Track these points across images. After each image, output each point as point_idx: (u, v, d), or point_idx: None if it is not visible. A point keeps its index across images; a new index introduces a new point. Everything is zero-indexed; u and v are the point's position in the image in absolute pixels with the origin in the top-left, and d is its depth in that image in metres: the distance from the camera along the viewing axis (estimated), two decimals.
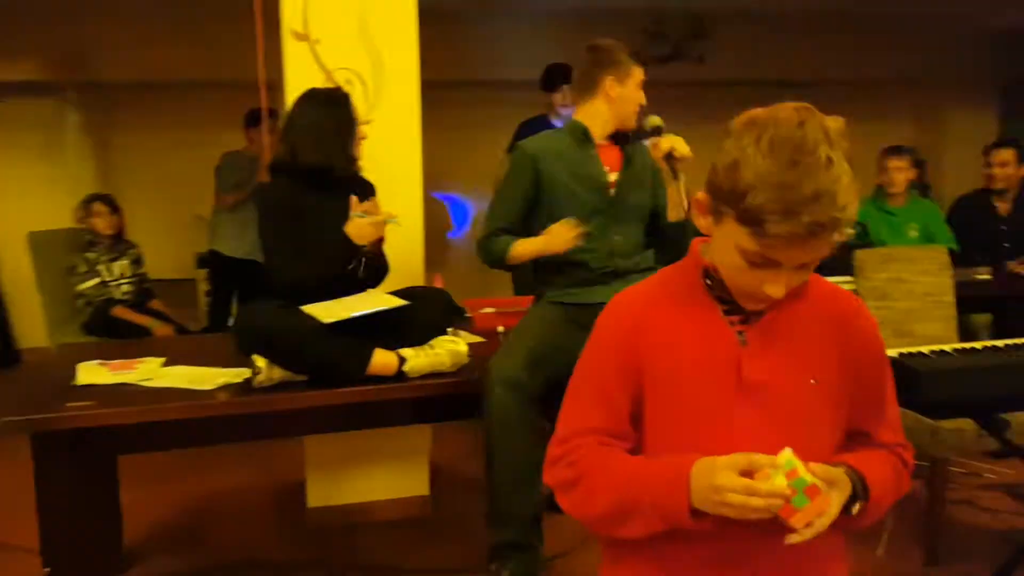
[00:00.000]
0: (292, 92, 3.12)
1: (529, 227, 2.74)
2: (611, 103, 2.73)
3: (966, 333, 4.05)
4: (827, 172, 1.10)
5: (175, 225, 6.16)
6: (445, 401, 2.54)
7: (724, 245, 1.20)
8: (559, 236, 2.61)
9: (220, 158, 5.23)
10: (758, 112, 1.18)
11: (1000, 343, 2.83)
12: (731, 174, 1.15)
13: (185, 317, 4.91)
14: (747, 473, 1.14)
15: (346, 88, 3.16)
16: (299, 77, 3.12)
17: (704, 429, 1.23)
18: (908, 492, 1.38)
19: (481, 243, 2.77)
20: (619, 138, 2.81)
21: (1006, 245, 4.57)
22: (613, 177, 2.76)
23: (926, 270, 3.43)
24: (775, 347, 1.26)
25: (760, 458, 1.14)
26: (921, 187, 4.84)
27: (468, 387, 2.49)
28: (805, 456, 1.17)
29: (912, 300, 3.38)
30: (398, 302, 2.51)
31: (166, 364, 2.66)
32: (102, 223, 4.46)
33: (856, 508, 1.23)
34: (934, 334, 3.32)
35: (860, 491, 1.23)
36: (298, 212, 2.57)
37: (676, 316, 1.29)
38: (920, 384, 2.60)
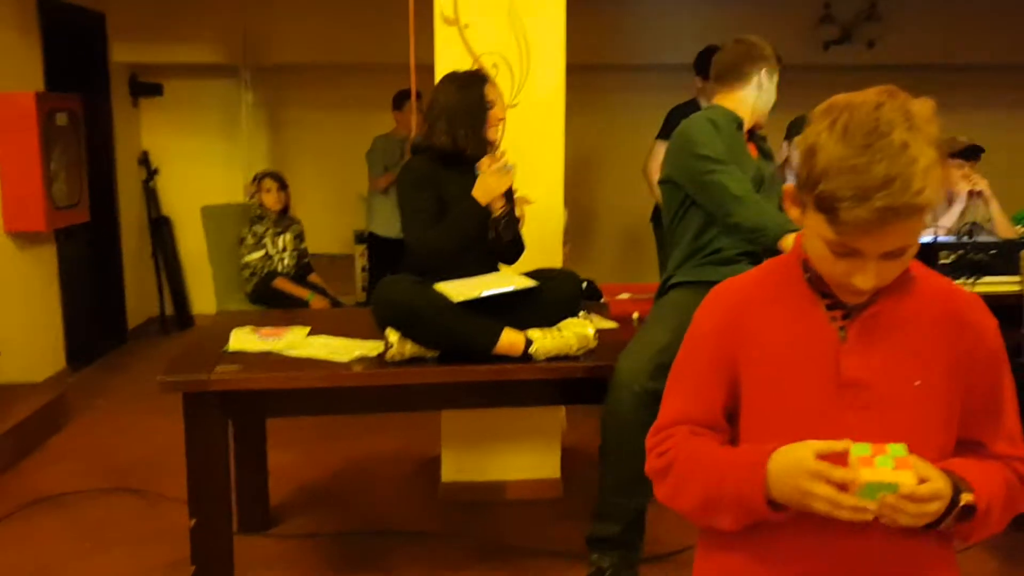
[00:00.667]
0: (441, 75, 3.21)
1: None
2: (760, 94, 2.71)
3: None
4: (901, 155, 1.06)
5: (337, 202, 6.43)
6: (570, 384, 2.55)
7: (811, 235, 1.18)
8: None
9: (372, 142, 5.44)
10: (838, 97, 1.15)
11: None
12: (808, 161, 1.13)
13: (341, 291, 5.14)
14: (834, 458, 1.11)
15: (492, 72, 3.23)
16: (448, 61, 3.20)
17: (800, 427, 1.19)
18: None
19: (748, 195, 2.50)
20: (752, 136, 2.80)
21: None
22: (759, 165, 2.73)
23: None
24: (877, 345, 1.21)
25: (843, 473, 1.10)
26: None
27: (594, 372, 2.50)
28: (907, 463, 1.11)
29: None
30: (528, 283, 2.55)
31: (311, 334, 2.79)
32: (271, 199, 4.72)
33: (963, 500, 1.15)
34: None
35: (962, 505, 1.16)
36: (433, 188, 2.67)
37: (775, 309, 1.26)
38: None
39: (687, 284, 2.63)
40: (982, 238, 3.93)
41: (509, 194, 2.82)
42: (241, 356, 2.56)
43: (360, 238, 6.07)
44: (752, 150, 2.76)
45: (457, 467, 3.49)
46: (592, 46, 4.71)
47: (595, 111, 6.00)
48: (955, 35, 6.19)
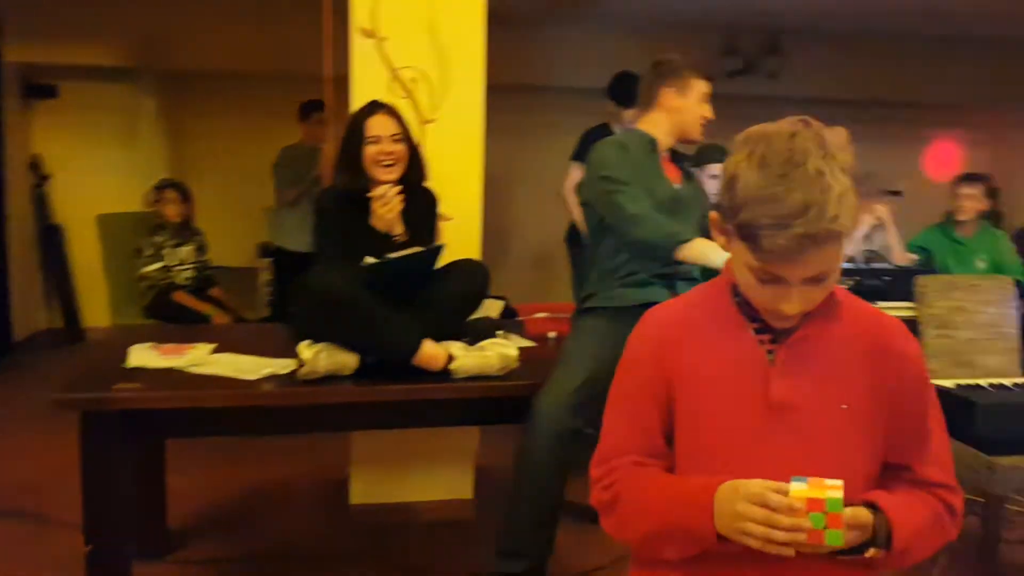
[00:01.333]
0: (358, 88, 3.16)
1: None
2: (670, 114, 2.71)
3: None
4: (816, 184, 1.09)
5: (240, 214, 6.26)
6: (491, 404, 2.51)
7: (736, 263, 1.19)
8: None
9: (278, 154, 5.31)
10: (755, 128, 1.19)
11: None
12: (728, 190, 1.15)
13: (244, 306, 4.98)
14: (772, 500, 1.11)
15: (411, 86, 3.19)
16: (366, 74, 3.15)
17: (732, 449, 1.21)
18: (960, 532, 1.31)
19: (643, 213, 2.52)
20: (675, 157, 2.81)
21: None
22: (677, 186, 2.74)
23: (989, 300, 3.32)
24: (805, 368, 1.22)
25: (780, 499, 1.10)
26: (994, 215, 4.67)
27: (513, 392, 2.47)
28: None
29: (974, 330, 3.26)
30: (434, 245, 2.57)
31: (216, 351, 2.69)
32: (172, 209, 4.56)
33: (870, 552, 1.17)
34: (995, 366, 3.20)
35: (882, 538, 1.18)
36: (341, 224, 2.64)
37: (706, 333, 1.26)
38: (977, 417, 2.52)
39: (602, 309, 2.63)
40: (878, 265, 4.09)
41: (425, 225, 2.78)
42: (142, 373, 2.44)
43: (265, 252, 5.91)
44: (673, 172, 2.77)
45: (367, 489, 3.41)
46: (510, 66, 4.72)
47: (509, 131, 6.01)
48: (851, 72, 6.48)
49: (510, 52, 4.65)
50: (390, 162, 2.67)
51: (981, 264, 4.40)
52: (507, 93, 4.26)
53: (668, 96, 2.69)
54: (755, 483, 1.12)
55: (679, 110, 2.70)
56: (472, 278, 2.64)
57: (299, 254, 5.25)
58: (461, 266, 2.67)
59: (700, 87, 2.71)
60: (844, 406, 1.22)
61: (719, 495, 1.15)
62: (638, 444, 1.27)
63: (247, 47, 5.73)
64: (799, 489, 1.09)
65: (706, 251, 2.39)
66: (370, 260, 2.46)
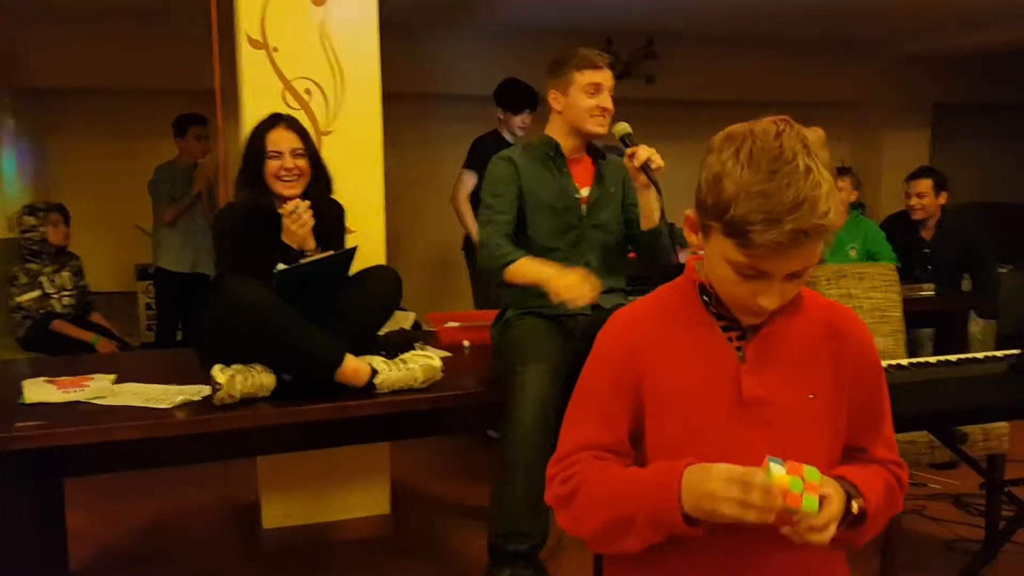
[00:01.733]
0: (248, 100, 3.07)
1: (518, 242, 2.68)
2: (560, 115, 2.70)
3: (911, 347, 4.16)
4: (806, 180, 1.12)
5: (114, 236, 5.97)
6: (417, 418, 2.48)
7: (715, 260, 1.21)
8: (574, 289, 2.40)
9: (154, 172, 5.10)
10: (737, 127, 1.21)
11: (953, 357, 2.91)
12: (714, 187, 1.16)
13: (124, 332, 4.75)
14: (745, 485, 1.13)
15: (305, 98, 3.12)
16: (256, 85, 3.06)
17: (706, 446, 1.22)
18: None
19: (487, 240, 2.61)
20: (593, 151, 2.78)
21: (929, 267, 4.69)
22: (585, 193, 2.73)
23: (875, 286, 3.51)
24: (772, 363, 1.26)
25: (756, 476, 1.12)
26: (858, 206, 4.94)
27: (437, 403, 2.45)
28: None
29: (862, 315, 3.43)
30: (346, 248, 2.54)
31: (117, 381, 2.55)
32: (58, 234, 4.33)
33: (854, 508, 1.22)
34: (883, 348, 3.38)
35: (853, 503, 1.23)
36: (245, 238, 2.56)
37: (675, 333, 1.28)
38: None
39: (530, 313, 2.63)
40: None
41: (334, 239, 2.73)
42: (42, 409, 2.29)
43: (143, 274, 5.67)
44: (584, 173, 2.75)
45: (279, 512, 3.30)
46: (403, 75, 4.69)
47: (403, 140, 5.98)
48: (721, 74, 6.74)
49: (402, 61, 4.63)
50: (291, 178, 2.60)
51: (852, 253, 4.64)
52: (400, 101, 4.22)
53: (554, 98, 2.70)
54: (729, 466, 1.14)
55: (564, 108, 2.68)
56: (385, 286, 2.60)
57: (180, 275, 5.08)
58: (373, 274, 2.62)
59: (582, 79, 2.63)
60: (811, 396, 1.26)
61: (688, 476, 1.16)
62: (603, 441, 1.27)
63: (112, 64, 5.48)
64: (778, 470, 1.11)
65: (529, 269, 2.53)
66: (282, 267, 2.39)
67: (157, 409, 2.30)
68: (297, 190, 2.61)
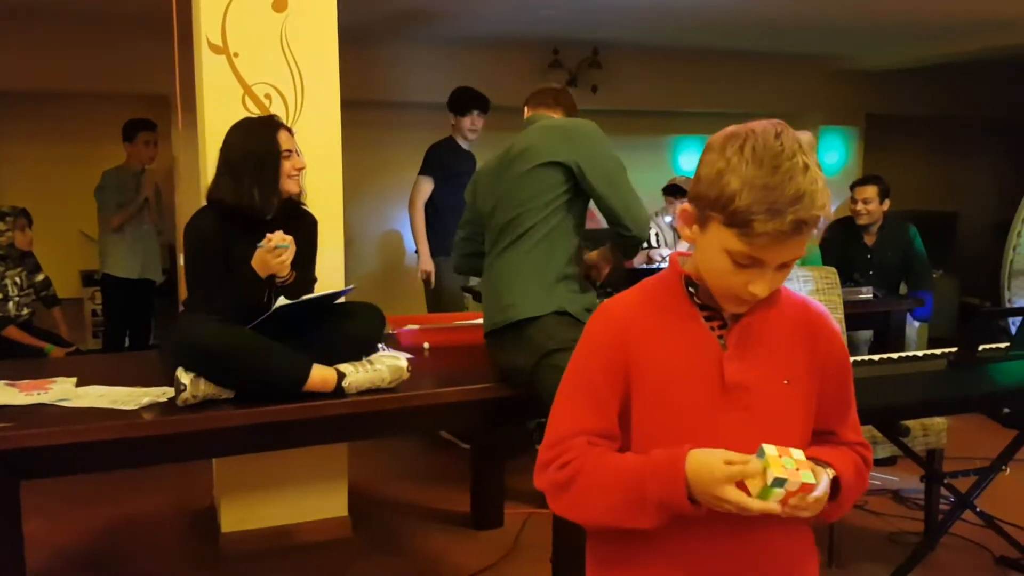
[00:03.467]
0: (209, 106, 3.08)
1: None
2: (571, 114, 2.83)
3: (850, 348, 4.32)
4: (805, 175, 1.21)
5: (59, 242, 5.87)
6: (383, 417, 2.51)
7: (711, 250, 1.28)
8: None
9: (101, 177, 5.04)
10: (736, 127, 1.28)
11: (895, 355, 3.04)
12: (717, 181, 1.24)
13: (70, 338, 4.68)
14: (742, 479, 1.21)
15: (265, 103, 3.14)
16: (216, 91, 3.07)
17: (692, 430, 1.29)
18: None
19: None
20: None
21: (871, 273, 4.88)
22: None
23: (818, 288, 3.64)
24: (752, 351, 1.34)
25: (752, 466, 1.21)
26: None
27: (406, 402, 2.49)
28: None
29: None
30: (340, 288, 2.53)
31: (78, 385, 2.54)
32: (24, 238, 4.28)
33: (831, 477, 1.30)
34: None
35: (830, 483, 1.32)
36: (217, 248, 2.51)
37: (660, 321, 1.35)
38: None
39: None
40: None
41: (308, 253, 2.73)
42: (8, 411, 2.27)
43: (89, 280, 5.58)
44: None
45: (237, 516, 3.30)
46: (361, 82, 4.73)
47: (359, 146, 6.00)
48: (663, 85, 6.90)
49: (358, 69, 4.67)
50: (299, 175, 2.62)
51: None
52: (356, 109, 4.25)
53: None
54: (720, 459, 1.21)
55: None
56: (369, 324, 2.60)
57: (128, 281, 5.03)
58: (359, 311, 2.61)
59: None
60: (786, 382, 1.35)
61: (690, 463, 1.23)
62: (595, 426, 1.33)
63: (59, 65, 5.39)
64: (771, 451, 1.21)
65: None
66: (284, 301, 2.37)
67: (124, 411, 2.30)
68: (300, 186, 2.65)
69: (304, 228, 2.70)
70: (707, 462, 1.22)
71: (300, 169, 2.62)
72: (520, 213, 2.56)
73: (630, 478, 1.27)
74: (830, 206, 1.25)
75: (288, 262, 2.47)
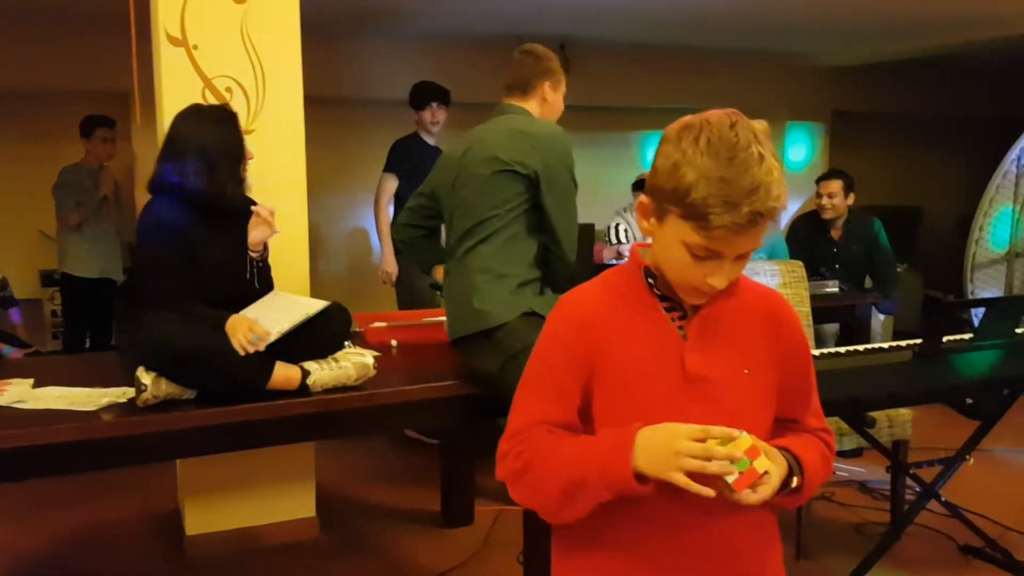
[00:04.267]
0: (168, 100, 3.03)
1: None
2: (543, 107, 2.73)
3: (816, 342, 4.35)
4: (760, 166, 1.20)
5: (16, 241, 5.76)
6: (351, 416, 2.47)
7: (669, 243, 1.27)
8: None
9: (58, 175, 4.94)
10: (690, 118, 1.27)
11: (860, 347, 3.06)
12: (673, 174, 1.23)
13: (29, 339, 4.59)
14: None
15: (226, 97, 3.09)
16: (176, 84, 3.03)
17: (653, 421, 1.27)
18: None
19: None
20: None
21: (837, 267, 4.92)
22: None
23: (785, 283, 3.66)
24: (712, 341, 1.33)
25: (716, 430, 1.20)
26: None
27: (373, 400, 2.45)
28: None
29: None
30: (318, 305, 2.47)
31: (35, 386, 2.48)
32: None
33: (794, 483, 1.30)
34: None
35: (796, 469, 1.31)
36: (182, 238, 2.45)
37: (621, 313, 1.34)
38: None
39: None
40: None
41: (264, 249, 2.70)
42: None
43: (48, 280, 5.47)
44: None
45: (202, 518, 3.25)
46: (324, 78, 4.66)
47: (323, 142, 5.94)
48: (631, 81, 6.90)
49: (322, 65, 4.61)
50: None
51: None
52: (320, 105, 4.21)
53: (545, 89, 2.72)
54: (681, 428, 1.20)
55: (551, 104, 2.75)
56: (335, 323, 2.56)
57: (87, 281, 4.94)
58: (324, 308, 2.56)
59: (564, 86, 2.80)
60: (746, 371, 1.34)
61: (641, 436, 1.22)
62: (555, 417, 1.32)
63: (15, 62, 5.28)
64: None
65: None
66: (273, 336, 2.33)
67: (83, 412, 2.24)
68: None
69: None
70: (662, 426, 1.22)
71: (251, 157, 2.60)
72: (484, 219, 2.54)
73: (576, 457, 1.26)
74: (786, 196, 1.23)
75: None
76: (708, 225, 1.19)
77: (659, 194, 1.25)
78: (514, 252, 2.55)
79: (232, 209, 2.53)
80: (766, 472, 1.21)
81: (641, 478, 1.22)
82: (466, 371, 2.60)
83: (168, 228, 2.44)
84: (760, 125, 1.25)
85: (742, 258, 1.26)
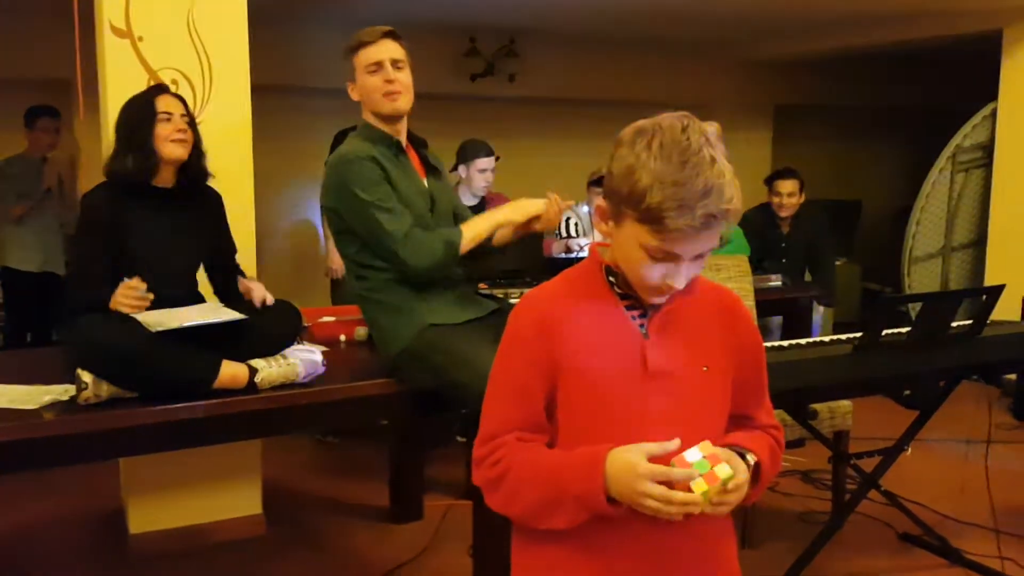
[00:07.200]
0: (112, 91, 2.98)
1: None
2: (362, 103, 2.57)
3: (762, 334, 4.42)
4: (712, 169, 1.23)
5: None
6: (298, 412, 2.45)
7: (627, 245, 1.29)
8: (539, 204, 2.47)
9: None
10: (644, 122, 1.29)
11: (803, 341, 3.12)
12: (628, 178, 1.25)
13: None
14: (662, 462, 1.23)
15: (172, 89, 3.03)
16: (120, 75, 2.98)
17: (617, 417, 1.31)
18: None
19: (414, 239, 2.41)
20: (415, 141, 2.69)
21: (784, 261, 5.01)
22: (427, 184, 2.64)
23: (731, 276, 3.72)
24: (672, 338, 1.36)
25: (676, 472, 1.22)
26: None
27: (323, 396, 2.44)
28: (701, 438, 1.26)
29: None
30: (236, 315, 2.42)
31: None
32: None
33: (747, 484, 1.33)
34: None
35: (752, 470, 1.34)
36: (107, 225, 2.43)
37: (583, 311, 1.36)
38: None
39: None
40: None
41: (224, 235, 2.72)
42: None
43: None
44: (416, 162, 2.65)
45: (146, 516, 3.20)
46: (267, 67, 4.58)
47: (266, 133, 5.85)
48: (579, 74, 6.92)
49: (266, 53, 4.54)
50: (182, 139, 2.52)
51: None
52: (263, 94, 4.15)
53: (351, 90, 2.58)
54: (642, 456, 1.22)
55: (361, 95, 2.56)
56: (284, 320, 2.55)
57: (30, 275, 4.83)
58: (274, 306, 2.57)
59: (361, 60, 2.52)
60: (705, 368, 1.37)
61: (611, 463, 1.24)
62: (523, 420, 1.34)
63: None
64: (690, 460, 1.22)
65: (484, 222, 2.50)
66: (161, 328, 2.25)
67: (23, 410, 2.19)
68: (186, 152, 2.54)
69: (210, 206, 2.69)
70: (627, 459, 1.24)
71: (183, 131, 2.52)
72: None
73: (553, 476, 1.29)
74: (739, 198, 1.25)
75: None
76: (664, 228, 1.22)
77: (615, 198, 1.28)
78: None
79: (146, 182, 2.49)
80: (729, 479, 1.24)
81: (614, 500, 1.25)
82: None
83: (92, 223, 2.43)
84: (711, 127, 1.27)
85: (699, 258, 1.29)
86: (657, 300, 1.34)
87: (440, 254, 2.44)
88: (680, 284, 1.29)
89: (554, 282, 1.42)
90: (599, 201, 1.34)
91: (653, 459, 1.23)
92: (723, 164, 1.23)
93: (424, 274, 2.45)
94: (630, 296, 1.36)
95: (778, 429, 1.47)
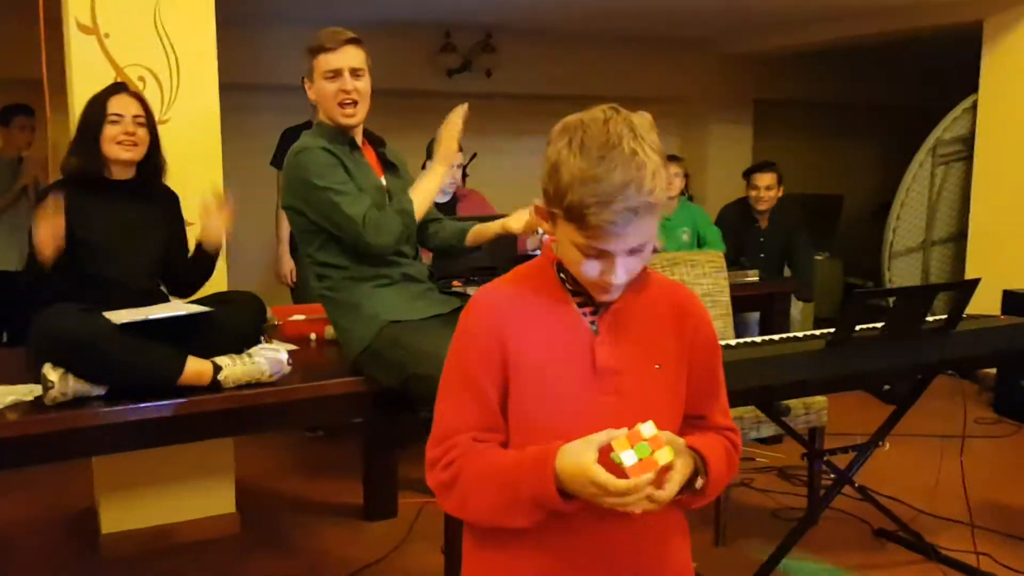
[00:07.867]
0: (78, 88, 2.95)
1: None
2: (317, 104, 2.57)
3: (739, 329, 4.43)
4: (631, 162, 1.21)
5: None
6: (264, 411, 2.43)
7: (563, 244, 1.29)
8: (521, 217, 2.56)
9: None
10: (570, 118, 1.29)
11: (776, 336, 3.12)
12: (553, 177, 1.25)
13: None
14: (607, 450, 1.21)
15: (138, 86, 3.01)
16: (86, 73, 2.94)
17: (566, 414, 1.30)
18: None
19: (373, 219, 2.42)
20: (372, 138, 2.69)
21: (762, 255, 5.01)
22: (384, 182, 2.63)
23: (705, 272, 3.71)
24: (623, 335, 1.35)
25: (618, 440, 1.20)
26: (683, 194, 5.20)
27: (289, 395, 2.42)
28: None
29: None
30: (199, 308, 2.41)
31: None
32: None
33: (699, 483, 1.32)
34: None
35: (701, 469, 1.33)
36: (66, 219, 2.41)
37: (534, 308, 1.35)
38: None
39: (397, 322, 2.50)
40: None
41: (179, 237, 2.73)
42: None
43: None
44: (372, 160, 2.64)
45: (118, 516, 3.18)
46: (232, 65, 4.54)
47: (239, 132, 5.80)
48: (558, 69, 6.91)
49: (231, 51, 4.50)
50: (130, 142, 2.53)
51: (685, 236, 4.89)
52: (235, 92, 4.11)
53: (308, 87, 2.57)
54: (590, 458, 1.20)
55: (318, 98, 2.54)
56: (248, 314, 2.53)
57: (5, 273, 4.78)
58: (237, 300, 2.55)
59: (320, 65, 2.50)
60: (657, 366, 1.36)
61: (560, 463, 1.23)
62: (477, 419, 1.32)
63: None
64: (621, 444, 1.20)
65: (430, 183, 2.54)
66: (123, 319, 2.25)
67: None
68: (136, 155, 2.56)
69: (165, 204, 2.72)
70: (575, 451, 1.22)
71: (131, 135, 2.53)
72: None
73: (506, 478, 1.27)
74: (662, 188, 1.23)
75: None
76: (587, 224, 1.21)
77: (546, 197, 1.28)
78: None
79: (94, 177, 2.52)
80: (668, 465, 1.22)
81: (567, 494, 1.23)
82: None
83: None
84: (641, 119, 1.26)
85: (636, 252, 1.27)
86: (605, 298, 1.33)
87: (399, 226, 2.47)
88: (618, 279, 1.27)
89: (506, 278, 1.40)
90: (536, 201, 1.33)
91: (603, 448, 1.22)
92: (645, 156, 1.21)
93: (389, 250, 2.49)
94: (582, 293, 1.35)
95: (734, 431, 1.45)
